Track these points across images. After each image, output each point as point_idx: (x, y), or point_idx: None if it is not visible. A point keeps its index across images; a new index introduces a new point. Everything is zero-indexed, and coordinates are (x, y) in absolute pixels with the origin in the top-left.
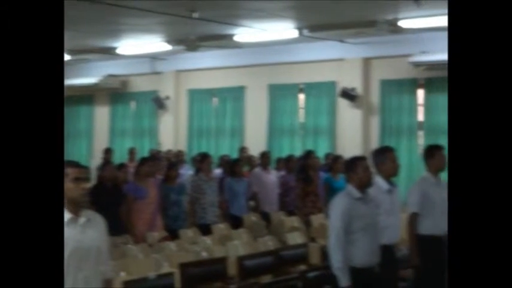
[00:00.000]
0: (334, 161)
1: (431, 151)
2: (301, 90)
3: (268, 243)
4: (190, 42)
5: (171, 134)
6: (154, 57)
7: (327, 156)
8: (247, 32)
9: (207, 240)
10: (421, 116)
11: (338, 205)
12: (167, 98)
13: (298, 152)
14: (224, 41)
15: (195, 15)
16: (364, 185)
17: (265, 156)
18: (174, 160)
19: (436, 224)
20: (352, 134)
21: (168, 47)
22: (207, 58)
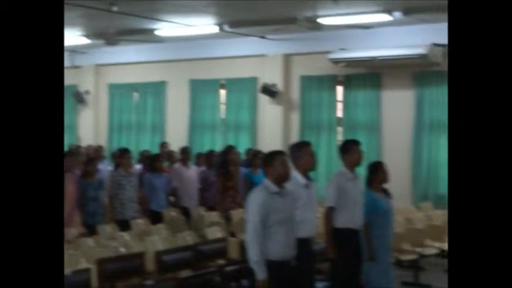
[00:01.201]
0: (254, 157)
1: (347, 146)
2: (222, 86)
3: (187, 238)
4: (110, 36)
5: (91, 128)
6: (73, 51)
7: (248, 151)
8: (169, 27)
9: (126, 235)
10: (340, 112)
11: (255, 199)
12: (87, 92)
13: (219, 148)
14: (145, 36)
15: (115, 8)
16: (281, 179)
17: (185, 151)
18: (94, 155)
19: (352, 217)
20: (272, 130)
21: (87, 41)
22: (128, 52)
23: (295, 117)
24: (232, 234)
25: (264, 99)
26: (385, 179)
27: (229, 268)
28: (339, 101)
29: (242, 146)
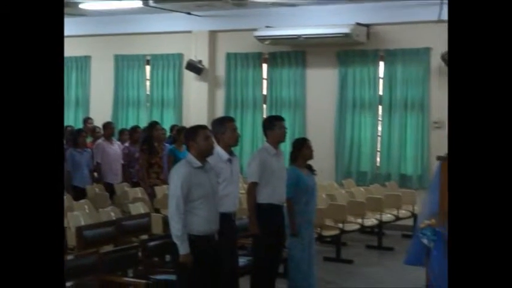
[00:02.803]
0: (178, 133)
1: (271, 122)
2: (147, 62)
3: (110, 214)
4: None
5: None
6: None
7: (172, 127)
8: (93, 0)
9: None
10: (265, 90)
11: (178, 174)
12: None
13: (144, 124)
14: (69, 9)
15: None
16: (204, 154)
17: (108, 127)
18: None
19: (275, 193)
20: (198, 107)
21: None
22: None
23: (221, 94)
24: (157, 210)
25: (189, 76)
26: (309, 156)
27: (152, 243)
28: (265, 79)
29: (167, 123)
